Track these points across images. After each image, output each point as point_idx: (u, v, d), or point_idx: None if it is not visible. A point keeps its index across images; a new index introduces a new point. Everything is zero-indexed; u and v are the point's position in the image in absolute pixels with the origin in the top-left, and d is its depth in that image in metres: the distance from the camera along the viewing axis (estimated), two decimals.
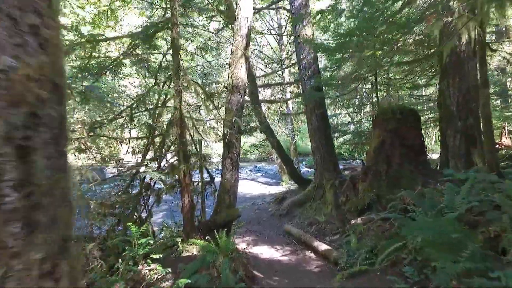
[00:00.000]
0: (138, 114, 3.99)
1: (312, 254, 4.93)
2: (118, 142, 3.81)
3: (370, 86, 10.76)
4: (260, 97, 9.53)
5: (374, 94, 7.66)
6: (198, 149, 5.57)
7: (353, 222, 3.96)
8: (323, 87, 7.27)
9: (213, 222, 4.10)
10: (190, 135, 3.89)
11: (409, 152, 5.52)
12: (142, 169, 3.67)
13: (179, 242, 3.53)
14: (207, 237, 3.74)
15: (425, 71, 6.85)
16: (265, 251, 5.24)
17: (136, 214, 3.75)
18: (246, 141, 28.16)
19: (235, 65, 4.38)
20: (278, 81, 11.44)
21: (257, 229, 6.64)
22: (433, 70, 7.82)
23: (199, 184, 4.36)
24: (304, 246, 5.33)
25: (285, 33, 11.00)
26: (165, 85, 4.02)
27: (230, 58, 4.52)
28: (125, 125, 3.70)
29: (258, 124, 7.84)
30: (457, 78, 4.21)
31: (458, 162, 4.39)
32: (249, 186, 13.88)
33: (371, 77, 6.46)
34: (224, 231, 3.70)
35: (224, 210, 4.27)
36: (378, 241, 3.40)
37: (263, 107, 11.27)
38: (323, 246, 4.77)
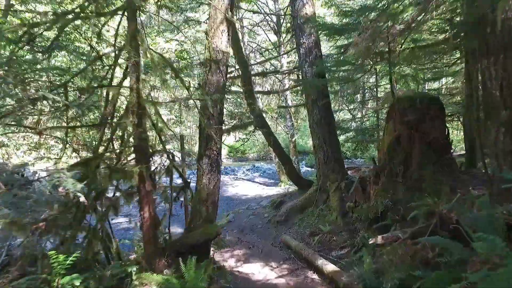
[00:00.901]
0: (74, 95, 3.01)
1: (315, 276, 3.99)
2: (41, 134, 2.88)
3: (375, 79, 9.85)
4: (256, 89, 8.57)
5: (380, 85, 6.70)
6: (181, 145, 4.64)
7: (371, 241, 3.05)
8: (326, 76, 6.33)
9: (183, 243, 3.14)
10: (154, 125, 2.94)
11: (431, 149, 4.58)
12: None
13: (134, 273, 2.59)
14: (180, 264, 2.81)
15: (444, 56, 5.90)
16: (258, 271, 4.31)
17: (80, 232, 2.82)
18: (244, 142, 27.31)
19: (214, 33, 3.36)
20: (276, 70, 10.37)
21: (250, 240, 5.70)
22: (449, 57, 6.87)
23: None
24: (305, 263, 4.40)
25: (282, 13, 9.95)
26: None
27: (208, 24, 3.55)
28: (56, 112, 2.75)
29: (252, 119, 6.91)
30: (501, 55, 3.29)
31: (502, 161, 3.49)
32: (246, 187, 12.97)
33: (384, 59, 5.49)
34: (194, 258, 2.76)
35: (201, 226, 3.30)
36: (411, 271, 2.47)
37: (260, 102, 10.29)
38: (329, 266, 3.83)
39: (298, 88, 8.42)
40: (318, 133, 6.22)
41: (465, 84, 5.04)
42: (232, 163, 22.81)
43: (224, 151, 25.86)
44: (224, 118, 3.59)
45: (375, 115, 10.50)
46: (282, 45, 10.16)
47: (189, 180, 3.42)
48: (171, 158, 3.10)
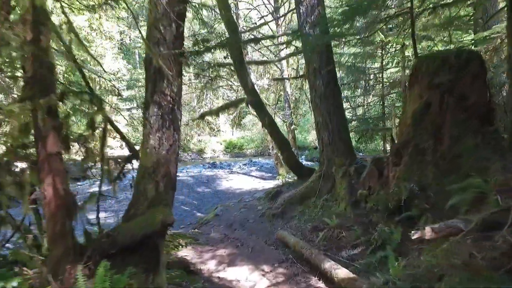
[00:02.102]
0: None
1: (321, 285, 2.94)
2: None
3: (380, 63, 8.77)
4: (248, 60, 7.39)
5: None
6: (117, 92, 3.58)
7: (415, 236, 2.01)
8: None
9: (114, 240, 2.03)
10: (65, 45, 1.88)
11: (470, 118, 3.54)
12: None
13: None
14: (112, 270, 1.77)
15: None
16: (245, 276, 3.26)
17: None
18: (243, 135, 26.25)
19: None
20: (271, 35, 9.09)
21: (239, 236, 4.65)
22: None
23: (115, 164, 2.34)
24: (308, 266, 3.35)
25: None
26: None
27: None
28: None
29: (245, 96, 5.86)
30: None
31: None
32: (241, 181, 11.93)
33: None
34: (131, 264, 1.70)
35: (144, 213, 2.18)
36: (486, 282, 1.45)
37: (253, 76, 9.15)
38: (340, 272, 2.78)
39: (296, 57, 7.30)
40: (321, 109, 5.17)
41: (508, 40, 4.01)
42: (229, 158, 21.80)
43: (221, 147, 24.82)
44: (185, 44, 2.48)
45: (380, 103, 9.49)
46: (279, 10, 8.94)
47: (136, 149, 2.36)
48: (98, 104, 2.04)
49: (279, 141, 6.26)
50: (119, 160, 2.37)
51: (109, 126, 2.23)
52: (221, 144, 25.60)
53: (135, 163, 2.42)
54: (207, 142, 25.53)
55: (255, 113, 6.40)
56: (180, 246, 3.94)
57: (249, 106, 5.84)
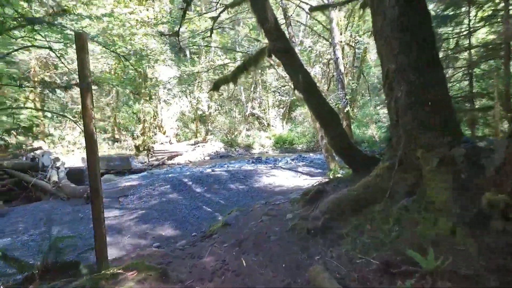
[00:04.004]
0: None
1: None
2: None
3: None
4: None
5: None
6: None
7: None
8: None
9: None
10: None
11: None
12: None
13: None
14: None
15: None
16: None
17: None
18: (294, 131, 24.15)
19: None
20: None
21: (246, 267, 2.70)
22: None
23: None
24: None
25: None
26: None
27: None
28: None
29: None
30: None
31: None
32: (283, 177, 9.99)
33: None
34: None
35: None
36: None
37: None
38: None
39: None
40: (393, 45, 2.92)
41: None
42: (278, 154, 19.97)
43: (270, 142, 23.15)
44: None
45: (467, 77, 6.75)
46: None
47: None
48: None
49: (322, 114, 3.98)
50: None
51: None
52: (270, 139, 23.98)
53: None
54: (256, 137, 24.15)
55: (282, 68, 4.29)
56: None
57: (272, 56, 3.84)
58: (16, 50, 9.04)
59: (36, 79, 17.73)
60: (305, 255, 2.75)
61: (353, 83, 17.82)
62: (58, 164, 12.17)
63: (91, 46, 16.87)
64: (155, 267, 2.40)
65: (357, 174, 4.04)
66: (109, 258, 3.44)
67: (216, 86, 4.84)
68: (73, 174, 11.20)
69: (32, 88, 16.48)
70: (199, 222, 5.73)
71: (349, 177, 4.09)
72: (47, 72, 18.43)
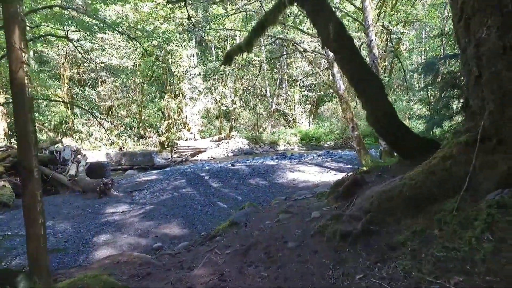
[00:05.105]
0: None
1: None
2: None
3: None
4: None
5: None
6: None
7: None
8: None
9: None
10: None
11: None
12: None
13: None
14: None
15: None
16: None
17: None
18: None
19: None
20: None
21: (251, 286, 1.87)
22: None
23: None
24: None
25: None
26: None
27: None
28: None
29: None
30: None
31: None
32: (309, 172, 9.05)
33: None
34: None
35: None
36: None
37: None
38: None
39: None
40: None
41: None
42: (305, 151, 18.91)
43: (296, 139, 22.11)
44: None
45: None
46: None
47: None
48: None
49: (361, 78, 2.97)
50: None
51: None
52: (296, 136, 22.92)
53: None
54: (281, 134, 23.21)
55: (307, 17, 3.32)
56: None
57: (294, 3, 2.94)
58: (36, 38, 8.89)
59: (66, 75, 18.17)
60: (339, 272, 1.84)
61: (385, 77, 16.31)
62: (79, 157, 12.06)
63: (114, 41, 16.89)
64: (115, 286, 1.62)
65: (405, 162, 3.03)
66: (82, 264, 2.76)
67: (228, 58, 4.05)
68: (94, 168, 11.00)
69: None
70: (211, 220, 4.97)
71: (394, 165, 3.09)
72: (75, 69, 18.81)
